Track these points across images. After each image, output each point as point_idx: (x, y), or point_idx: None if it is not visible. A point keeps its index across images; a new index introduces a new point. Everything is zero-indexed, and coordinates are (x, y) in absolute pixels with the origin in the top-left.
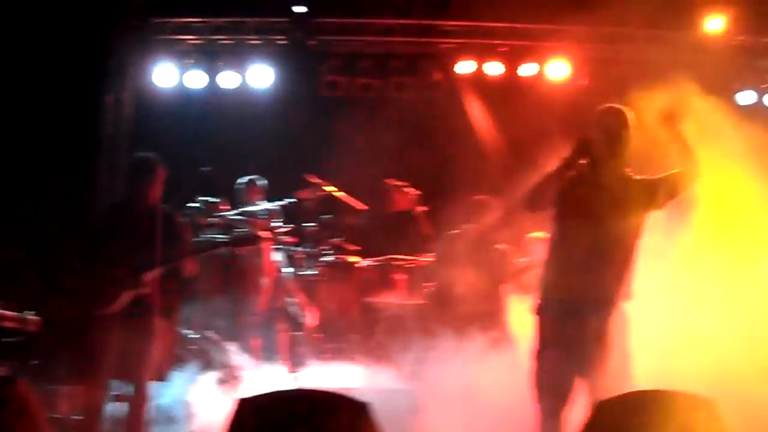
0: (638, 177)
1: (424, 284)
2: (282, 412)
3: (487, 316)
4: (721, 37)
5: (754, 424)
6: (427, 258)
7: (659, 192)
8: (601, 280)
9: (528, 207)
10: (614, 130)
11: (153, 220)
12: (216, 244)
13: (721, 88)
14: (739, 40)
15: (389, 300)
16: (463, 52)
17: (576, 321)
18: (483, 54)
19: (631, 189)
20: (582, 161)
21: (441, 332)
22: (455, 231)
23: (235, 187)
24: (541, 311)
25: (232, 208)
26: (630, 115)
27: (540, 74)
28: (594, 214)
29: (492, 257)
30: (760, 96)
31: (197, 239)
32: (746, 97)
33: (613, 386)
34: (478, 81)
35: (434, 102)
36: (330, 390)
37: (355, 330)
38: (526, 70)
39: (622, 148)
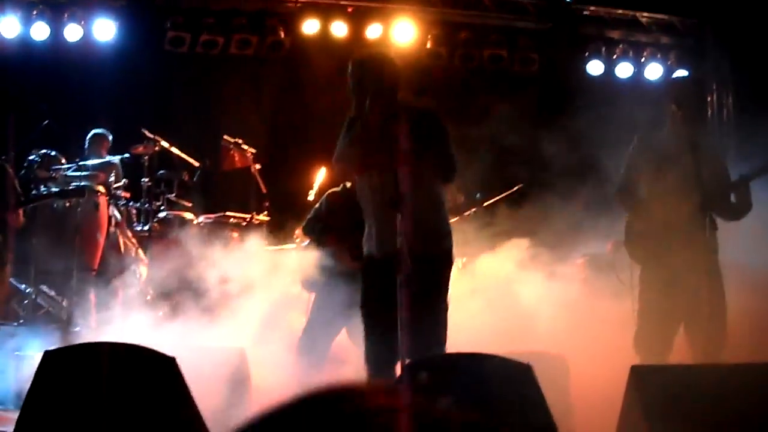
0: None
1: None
2: (86, 365)
3: None
4: (573, 7)
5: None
6: (262, 216)
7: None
8: (386, 233)
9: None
10: (369, 79)
11: None
12: (44, 196)
13: (572, 58)
14: (590, 11)
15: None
16: (309, 11)
17: (390, 275)
18: (328, 14)
19: (409, 121)
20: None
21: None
22: (337, 189)
23: (87, 139)
24: (364, 267)
25: (73, 162)
26: (383, 61)
27: (385, 36)
28: (375, 164)
29: None
30: (610, 67)
31: (33, 192)
32: (595, 68)
33: (424, 342)
34: (324, 41)
35: (278, 61)
36: (135, 344)
37: (187, 286)
38: (372, 31)
39: (359, 93)
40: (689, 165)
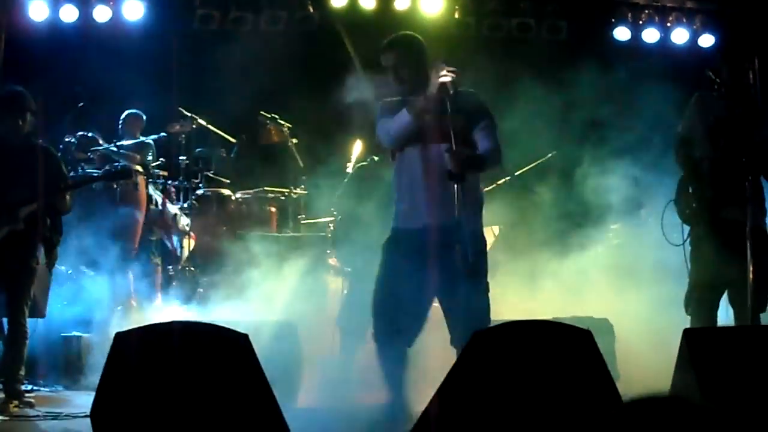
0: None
1: (299, 217)
2: (159, 346)
3: None
4: None
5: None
6: (299, 191)
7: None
8: (441, 205)
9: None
10: (398, 60)
11: (27, 154)
12: (91, 179)
13: (598, 24)
14: None
15: (263, 232)
16: None
17: (425, 250)
18: None
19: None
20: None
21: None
22: (363, 163)
23: (121, 120)
24: (390, 242)
25: (109, 143)
26: (412, 41)
27: (413, 7)
28: (420, 139)
29: None
30: (636, 32)
31: (73, 174)
32: (622, 33)
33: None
34: (352, 15)
35: (308, 36)
36: (206, 323)
37: (228, 262)
38: (400, 3)
39: (413, 74)
40: (740, 128)
